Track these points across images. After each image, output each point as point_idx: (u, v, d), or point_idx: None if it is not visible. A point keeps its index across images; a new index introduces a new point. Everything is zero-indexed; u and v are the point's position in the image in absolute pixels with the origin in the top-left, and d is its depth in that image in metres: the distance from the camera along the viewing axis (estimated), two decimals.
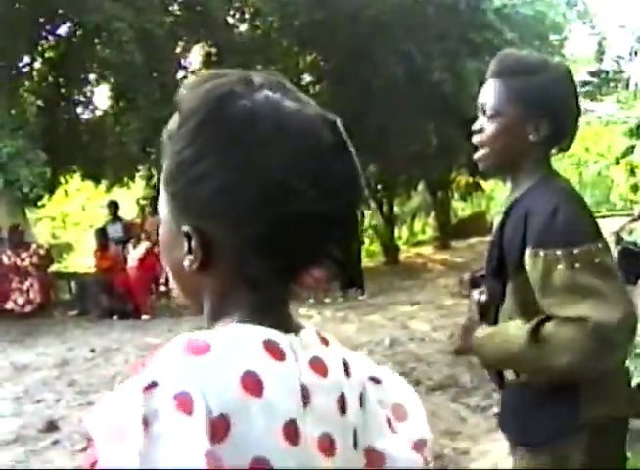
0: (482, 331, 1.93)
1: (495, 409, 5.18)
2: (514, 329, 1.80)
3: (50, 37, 13.43)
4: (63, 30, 13.46)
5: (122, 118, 13.15)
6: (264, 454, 0.78)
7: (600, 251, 1.72)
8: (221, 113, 0.86)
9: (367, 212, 19.98)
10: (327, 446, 0.85)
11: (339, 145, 0.89)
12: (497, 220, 2.00)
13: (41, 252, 12.37)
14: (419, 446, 0.95)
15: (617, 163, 4.97)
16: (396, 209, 20.15)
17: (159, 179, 12.28)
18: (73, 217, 24.50)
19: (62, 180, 15.10)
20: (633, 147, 4.40)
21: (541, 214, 1.76)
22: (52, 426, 5.44)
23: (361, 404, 0.92)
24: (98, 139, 13.68)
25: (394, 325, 8.73)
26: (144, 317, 10.88)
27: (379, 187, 18.49)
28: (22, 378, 7.13)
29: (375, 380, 0.97)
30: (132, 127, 12.24)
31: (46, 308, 11.93)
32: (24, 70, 13.42)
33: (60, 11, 12.11)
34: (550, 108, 1.87)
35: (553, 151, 1.98)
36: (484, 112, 1.93)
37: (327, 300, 11.73)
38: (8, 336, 9.99)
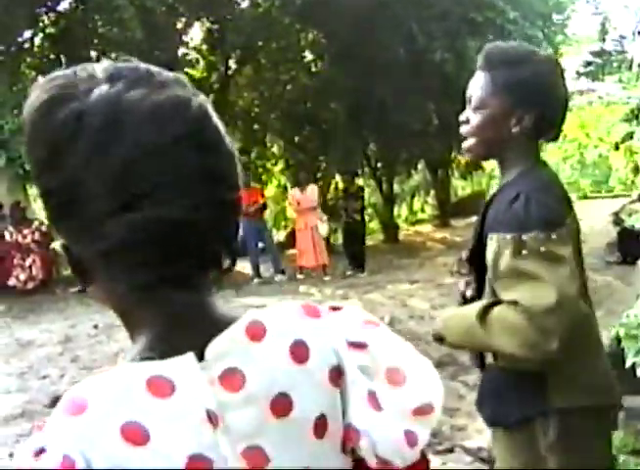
0: (446, 312, 2.01)
1: None
2: (470, 310, 1.85)
3: (51, 13, 13.35)
4: (63, 6, 13.40)
5: None
6: None
7: (550, 240, 1.72)
8: (43, 124, 0.79)
9: (367, 190, 20.10)
10: (257, 457, 0.80)
11: (193, 132, 0.78)
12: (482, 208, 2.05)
13: (43, 228, 12.41)
14: (422, 411, 0.88)
15: (617, 148, 5.00)
16: (396, 187, 20.15)
17: None
18: None
19: None
20: (632, 133, 4.43)
21: (503, 201, 1.81)
22: (57, 401, 5.46)
23: (334, 383, 0.86)
24: None
25: (394, 303, 8.79)
26: None
27: (379, 165, 18.52)
28: (26, 354, 7.22)
29: (357, 345, 0.88)
30: None
31: (48, 285, 12.02)
32: (25, 45, 13.37)
33: None
34: (534, 99, 1.88)
35: (540, 141, 2.01)
36: (470, 103, 1.97)
37: (327, 278, 11.80)
38: (11, 312, 10.10)
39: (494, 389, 2.00)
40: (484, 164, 19.91)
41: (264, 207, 12.63)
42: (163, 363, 0.77)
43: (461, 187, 25.26)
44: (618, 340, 3.58)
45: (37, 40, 13.70)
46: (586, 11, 17.21)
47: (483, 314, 1.77)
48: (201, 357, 0.79)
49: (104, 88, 0.78)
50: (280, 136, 17.83)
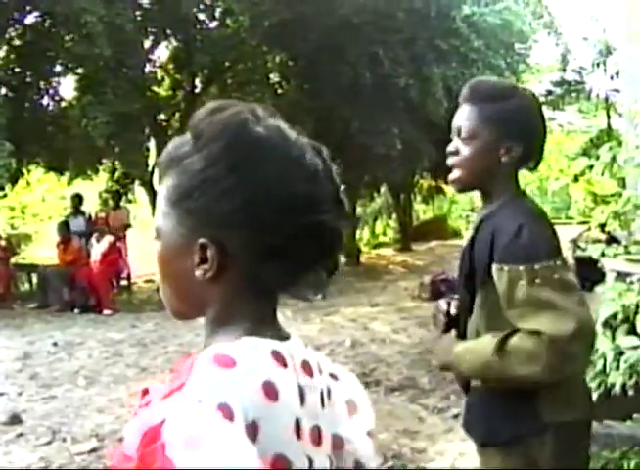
0: (460, 346, 2.05)
1: (453, 411, 5.34)
2: (486, 342, 1.92)
3: (17, 26, 13.22)
4: (30, 19, 13.28)
5: (89, 111, 13.03)
6: (283, 451, 0.93)
7: (559, 267, 1.86)
8: (241, 138, 0.98)
9: None
10: (316, 437, 1.00)
11: (326, 167, 1.04)
12: (467, 236, 2.14)
13: (2, 243, 12.28)
14: (370, 434, 1.13)
15: (577, 180, 5.15)
16: (358, 210, 20.25)
17: (125, 174, 12.09)
18: (32, 208, 24.13)
19: (25, 171, 14.91)
20: (592, 166, 4.58)
21: (507, 233, 1.90)
22: (15, 419, 5.45)
23: (329, 398, 1.07)
24: (63, 131, 13.54)
25: (355, 326, 8.84)
26: (106, 312, 10.85)
27: (342, 187, 18.56)
28: None
29: (334, 377, 1.12)
30: (98, 121, 12.14)
31: (6, 300, 11.83)
32: None
33: None
34: (521, 130, 2.01)
35: (521, 170, 2.12)
36: (459, 134, 2.05)
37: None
38: None
39: (484, 409, 2.07)
40: (446, 188, 20.25)
41: None
42: (277, 343, 0.98)
43: (422, 211, 25.49)
44: None
45: (2, 53, 13.54)
46: (548, 42, 17.59)
47: (500, 347, 1.86)
48: None
49: (274, 123, 1.03)
50: None
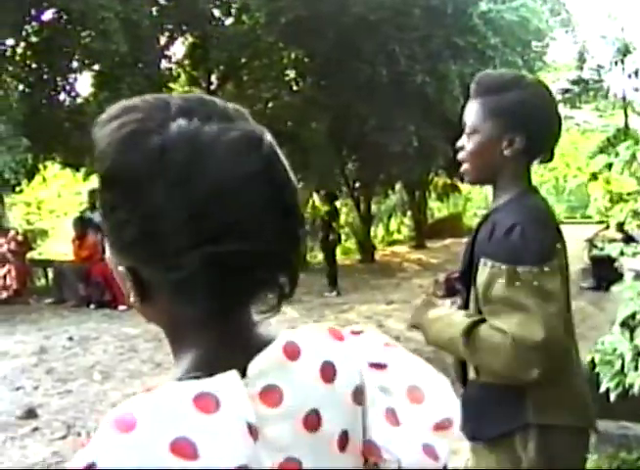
0: (434, 311, 2.06)
1: None
2: (458, 318, 1.94)
3: (34, 22, 13.30)
4: (47, 16, 13.35)
5: (105, 107, 13.01)
6: None
7: (543, 274, 1.80)
8: (128, 156, 0.80)
9: (344, 209, 20.16)
10: (293, 469, 0.85)
11: (266, 168, 0.82)
12: (474, 228, 2.12)
13: (19, 238, 12.34)
14: (442, 426, 0.95)
15: (595, 178, 5.09)
16: (373, 207, 20.25)
17: None
18: (48, 204, 24.29)
19: (41, 167, 15.00)
20: (611, 164, 4.53)
21: (501, 229, 1.87)
22: (31, 413, 5.48)
23: (357, 401, 0.91)
24: (79, 127, 13.60)
25: (370, 323, 8.83)
26: (121, 307, 10.86)
27: (357, 185, 18.62)
28: (0, 365, 7.15)
29: (378, 366, 0.95)
30: None
31: (22, 295, 11.91)
32: (7, 54, 13.30)
33: None
34: (523, 122, 1.96)
35: (533, 164, 2.08)
36: (466, 129, 2.05)
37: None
38: None
39: (476, 404, 2.03)
40: (461, 186, 20.18)
41: None
42: (209, 380, 0.81)
43: (437, 209, 25.44)
44: (593, 365, 3.64)
45: (19, 49, 13.62)
46: (565, 39, 17.50)
47: (469, 330, 1.86)
48: (243, 375, 0.83)
49: (182, 123, 0.81)
50: None
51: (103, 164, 0.83)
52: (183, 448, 0.76)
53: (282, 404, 0.85)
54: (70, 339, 8.10)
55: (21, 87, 13.01)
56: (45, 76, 13.82)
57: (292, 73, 16.67)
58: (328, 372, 0.89)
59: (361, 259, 17.76)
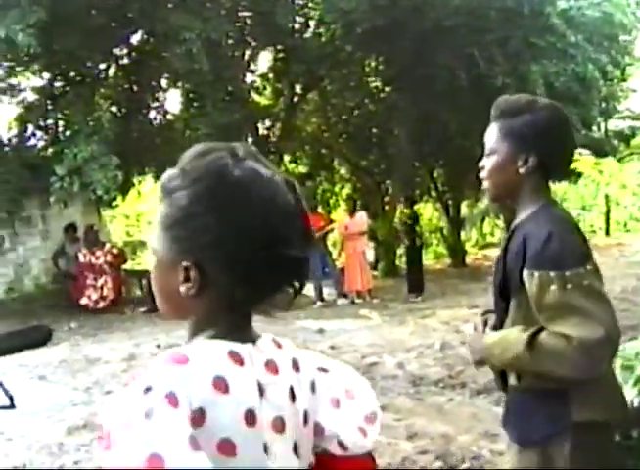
0: (489, 338, 2.17)
1: None
2: (515, 335, 2.05)
3: (123, 45, 13.94)
4: (136, 39, 13.98)
5: (192, 123, 13.58)
6: (229, 435, 1.09)
7: (588, 274, 1.96)
8: (220, 182, 1.14)
9: (435, 214, 20.09)
10: (279, 425, 1.17)
11: (298, 203, 1.19)
12: (502, 243, 2.26)
13: (114, 251, 12.98)
14: (371, 418, 1.31)
15: None
16: (465, 210, 20.11)
17: None
18: (146, 217, 25.16)
19: (134, 182, 15.63)
20: None
21: (537, 240, 2.01)
22: None
23: (313, 391, 1.27)
24: (169, 143, 14.16)
25: (447, 329, 8.83)
26: None
27: (445, 189, 18.56)
28: (93, 370, 7.60)
29: (323, 370, 1.31)
30: (201, 132, 12.65)
31: (118, 305, 12.51)
32: (100, 76, 13.98)
33: (132, 19, 12.57)
34: (536, 142, 2.12)
35: (551, 180, 2.23)
36: (485, 151, 2.22)
37: (375, 300, 12.26)
38: (82, 330, 10.59)
39: (520, 408, 2.18)
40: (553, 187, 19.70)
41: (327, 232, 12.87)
42: (237, 344, 1.16)
43: None
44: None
45: (111, 71, 14.29)
46: None
47: (530, 342, 1.98)
48: None
49: (251, 164, 1.18)
50: (346, 161, 18.06)
51: (199, 185, 1.15)
52: (220, 384, 1.09)
53: (279, 375, 1.19)
54: (158, 346, 8.48)
55: (112, 108, 13.63)
56: (135, 96, 14.44)
57: (375, 82, 16.79)
58: (295, 364, 1.25)
59: (452, 264, 17.67)
